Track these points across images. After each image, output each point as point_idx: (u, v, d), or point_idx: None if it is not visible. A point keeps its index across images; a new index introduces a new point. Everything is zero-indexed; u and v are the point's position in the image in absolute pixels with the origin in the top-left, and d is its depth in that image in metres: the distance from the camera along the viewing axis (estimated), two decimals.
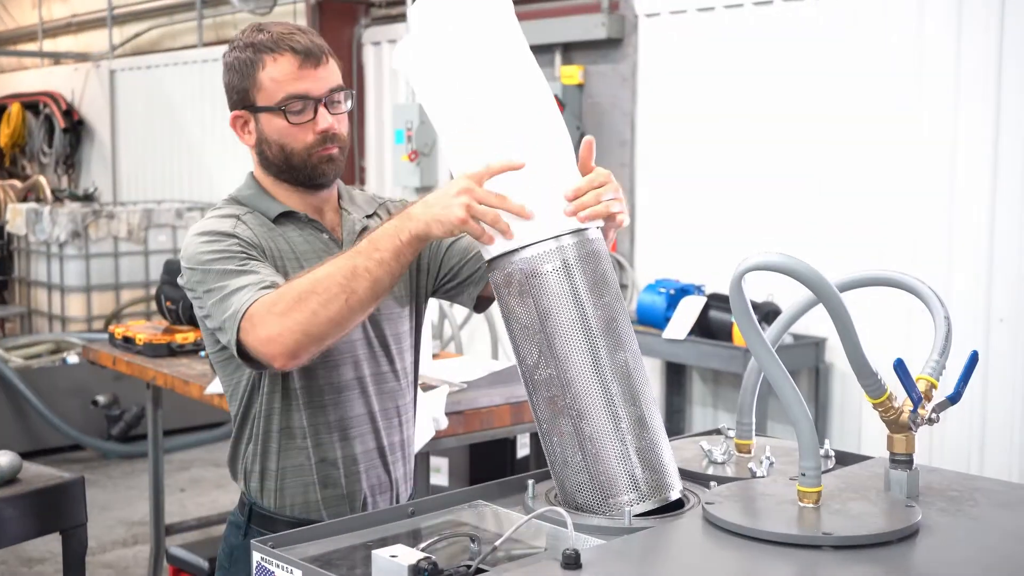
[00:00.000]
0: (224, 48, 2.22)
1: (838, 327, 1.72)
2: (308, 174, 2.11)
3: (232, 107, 2.15)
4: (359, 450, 2.14)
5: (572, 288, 1.77)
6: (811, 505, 1.68)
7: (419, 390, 2.37)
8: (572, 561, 1.48)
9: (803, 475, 1.69)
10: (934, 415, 1.79)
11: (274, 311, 1.87)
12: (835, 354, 5.08)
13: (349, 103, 2.15)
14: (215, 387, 3.57)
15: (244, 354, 1.94)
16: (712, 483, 1.90)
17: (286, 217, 2.14)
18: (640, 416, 1.82)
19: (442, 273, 2.27)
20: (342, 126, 2.12)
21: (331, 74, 2.10)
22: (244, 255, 2.01)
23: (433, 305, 4.06)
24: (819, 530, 1.60)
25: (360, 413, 2.14)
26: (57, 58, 11.37)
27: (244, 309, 1.90)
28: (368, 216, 2.23)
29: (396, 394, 2.21)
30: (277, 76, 2.06)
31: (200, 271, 2.01)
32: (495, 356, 5.35)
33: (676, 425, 5.78)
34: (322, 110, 2.08)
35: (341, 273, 1.86)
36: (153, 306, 6.16)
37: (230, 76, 2.13)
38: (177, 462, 6.50)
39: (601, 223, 1.87)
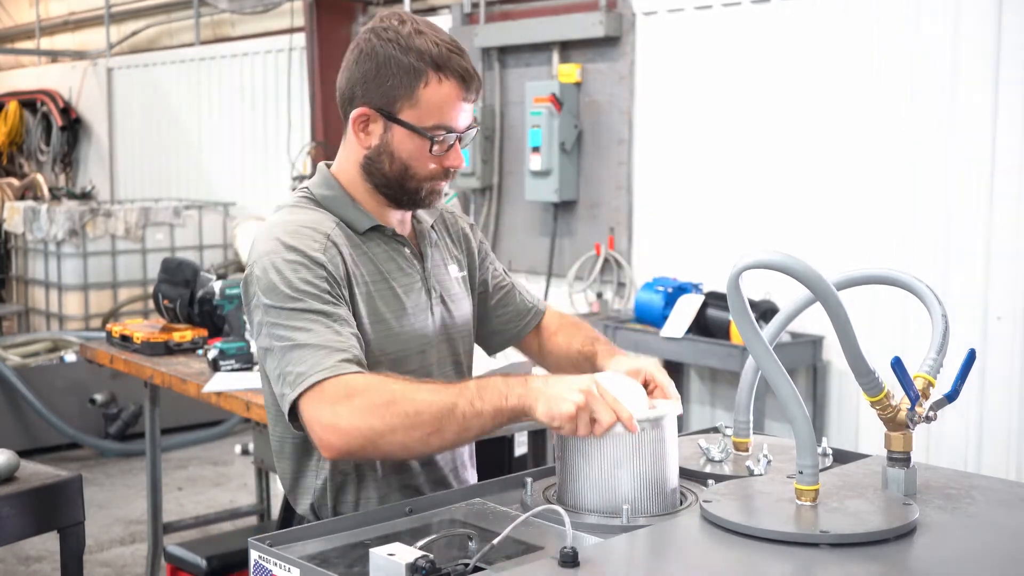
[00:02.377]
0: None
1: (835, 325, 1.72)
2: (414, 199, 2.03)
3: (359, 100, 1.98)
4: (440, 476, 2.09)
5: None
6: (808, 503, 1.68)
7: None
8: (570, 559, 1.48)
9: (800, 473, 1.70)
10: (931, 413, 1.79)
11: (353, 403, 1.75)
12: (833, 352, 5.08)
13: (474, 134, 2.05)
14: (213, 385, 3.57)
15: (294, 415, 1.82)
16: (710, 481, 1.90)
17: (372, 231, 2.04)
18: None
19: (487, 314, 2.29)
20: (463, 157, 2.05)
21: (472, 107, 2.02)
22: (329, 296, 1.88)
23: None
24: (817, 528, 1.60)
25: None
26: (54, 56, 11.36)
27: (320, 378, 1.77)
28: (431, 227, 2.18)
29: None
30: (438, 100, 1.94)
31: (280, 295, 1.87)
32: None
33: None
34: (457, 145, 2.00)
35: (438, 406, 1.74)
36: (150, 304, 6.15)
37: (372, 69, 1.95)
38: (175, 460, 6.50)
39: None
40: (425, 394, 1.76)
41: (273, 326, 1.86)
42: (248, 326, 1.96)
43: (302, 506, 2.05)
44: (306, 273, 1.89)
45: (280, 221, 2.01)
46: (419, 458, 1.87)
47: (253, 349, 3.84)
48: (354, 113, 1.99)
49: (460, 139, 2.00)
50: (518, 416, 1.76)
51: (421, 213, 2.16)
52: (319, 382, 1.77)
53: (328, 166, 2.11)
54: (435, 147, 1.97)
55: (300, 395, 1.79)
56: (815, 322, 4.88)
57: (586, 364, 2.22)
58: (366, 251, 2.02)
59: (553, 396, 1.73)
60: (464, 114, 1.99)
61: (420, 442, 1.76)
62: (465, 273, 2.23)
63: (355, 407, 1.75)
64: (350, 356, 1.81)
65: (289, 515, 2.12)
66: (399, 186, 2.01)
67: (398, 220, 2.10)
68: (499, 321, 2.31)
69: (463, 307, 2.19)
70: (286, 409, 1.83)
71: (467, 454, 2.21)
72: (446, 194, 2.06)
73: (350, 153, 2.05)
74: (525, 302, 2.33)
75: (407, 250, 2.09)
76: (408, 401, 1.75)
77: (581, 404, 1.72)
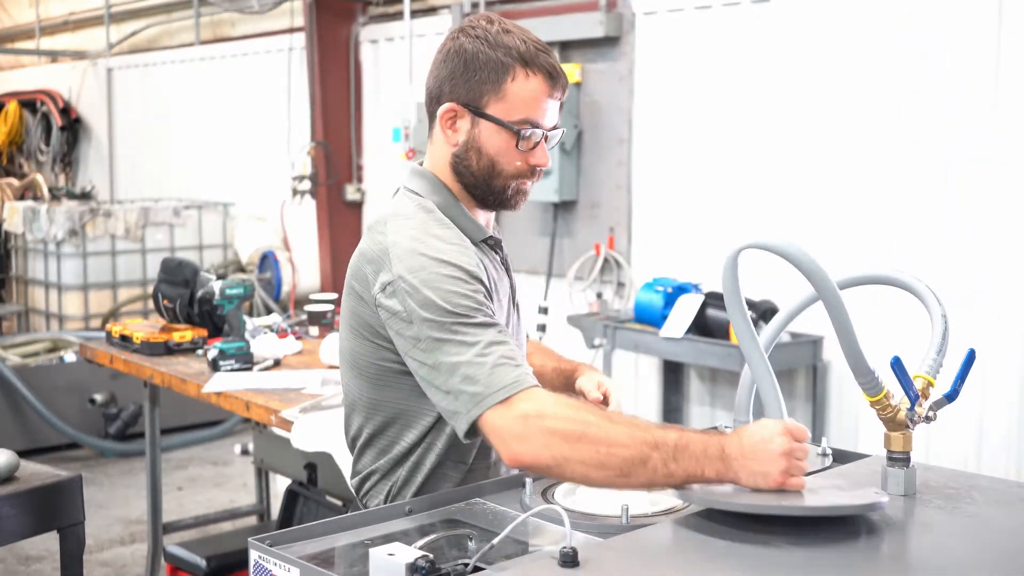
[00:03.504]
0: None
1: (833, 317, 1.73)
2: (499, 198, 2.04)
3: (446, 97, 1.99)
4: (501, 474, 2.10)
5: None
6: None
7: None
8: (569, 559, 1.48)
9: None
10: (931, 413, 1.80)
11: (545, 423, 1.72)
12: (833, 352, 5.08)
13: (560, 135, 2.05)
14: (212, 385, 3.57)
15: (472, 432, 1.79)
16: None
17: (481, 243, 2.04)
18: None
19: None
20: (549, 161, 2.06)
21: (558, 108, 2.03)
22: (489, 312, 1.84)
23: None
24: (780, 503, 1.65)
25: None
26: (54, 56, 11.36)
27: (508, 394, 1.74)
28: None
29: None
30: (525, 95, 1.96)
31: (436, 311, 1.81)
32: None
33: (674, 423, 5.78)
34: (543, 144, 2.01)
35: (632, 452, 1.69)
36: (150, 304, 6.15)
37: (460, 65, 1.96)
38: (175, 460, 6.50)
39: None
40: (620, 434, 1.71)
41: (436, 342, 1.81)
42: (395, 338, 1.89)
43: (375, 498, 2.05)
44: (466, 287, 1.85)
45: (417, 235, 1.93)
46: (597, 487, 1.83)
47: (252, 349, 3.84)
48: (442, 109, 2.00)
49: (547, 138, 2.01)
50: (722, 473, 1.71)
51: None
52: (506, 399, 1.75)
53: (418, 171, 2.07)
54: (521, 142, 1.98)
55: (486, 411, 1.76)
56: (815, 322, 4.88)
57: (562, 380, 2.29)
58: (481, 259, 2.01)
59: (761, 470, 1.69)
60: (551, 112, 2.00)
61: (605, 481, 1.73)
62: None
63: (547, 428, 1.72)
64: (526, 370, 1.80)
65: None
66: (486, 184, 2.02)
67: (490, 224, 2.12)
68: None
69: (522, 313, 2.24)
70: (462, 427, 1.79)
71: None
72: (528, 190, 2.07)
73: (440, 154, 2.05)
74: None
75: (499, 257, 2.11)
76: (602, 438, 1.71)
77: (785, 469, 1.68)
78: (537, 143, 2.00)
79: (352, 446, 2.10)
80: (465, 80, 1.97)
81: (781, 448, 1.68)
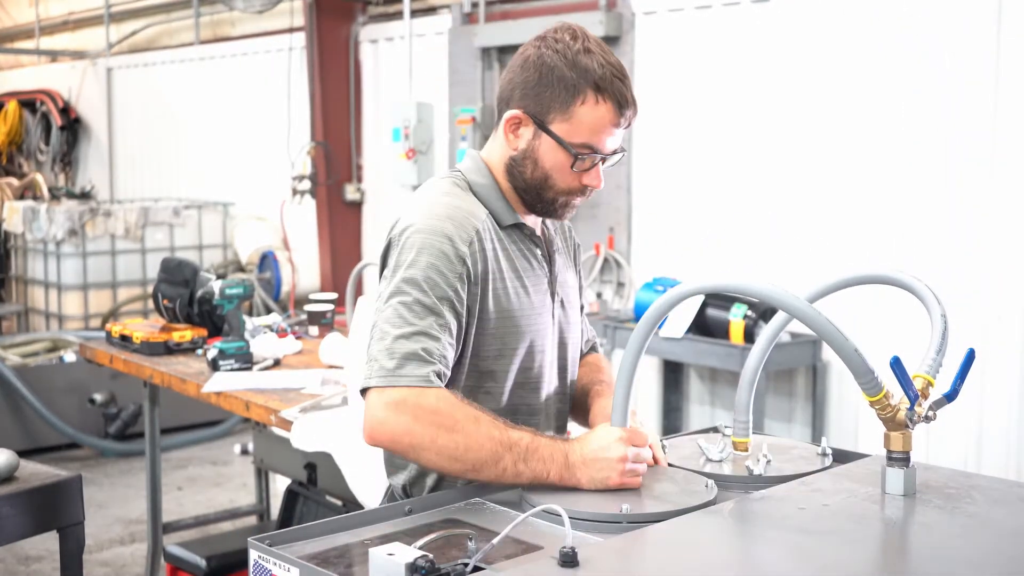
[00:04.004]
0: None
1: (818, 331, 1.72)
2: (546, 209, 2.09)
3: (515, 103, 2.03)
4: None
5: None
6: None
7: None
8: (569, 559, 1.48)
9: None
10: (931, 413, 1.79)
11: (417, 413, 1.86)
12: (832, 352, 5.07)
13: (618, 159, 2.09)
14: (212, 385, 3.57)
15: (362, 392, 1.93)
16: (709, 481, 1.90)
17: (512, 227, 2.09)
18: None
19: None
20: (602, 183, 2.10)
21: (623, 135, 2.07)
22: (450, 301, 1.94)
23: None
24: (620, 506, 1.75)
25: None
26: (54, 56, 11.36)
27: (401, 383, 1.87)
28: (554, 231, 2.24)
29: (565, 414, 2.24)
30: (590, 121, 1.99)
31: (406, 277, 1.94)
32: None
33: (673, 423, 5.79)
34: (599, 167, 2.06)
35: (487, 452, 1.86)
36: (150, 304, 6.15)
37: (535, 76, 2.00)
38: (174, 460, 6.50)
39: None
40: (482, 435, 1.87)
41: (395, 306, 1.93)
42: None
43: (396, 481, 2.11)
44: (445, 268, 1.94)
45: (437, 199, 2.04)
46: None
47: (252, 349, 3.84)
48: (508, 114, 2.04)
49: (604, 160, 2.05)
50: (564, 478, 1.88)
51: (548, 221, 2.21)
52: (400, 387, 1.87)
53: (472, 153, 2.16)
54: (577, 163, 2.02)
55: (371, 387, 1.89)
56: None
57: (584, 398, 2.29)
58: (507, 246, 2.07)
59: (598, 474, 1.87)
60: (613, 138, 2.03)
61: (456, 472, 1.89)
62: (576, 284, 2.29)
63: (414, 419, 1.86)
64: (438, 371, 1.90)
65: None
66: (536, 193, 2.07)
67: (533, 221, 2.15)
68: None
69: (575, 314, 2.25)
70: (357, 389, 1.95)
71: None
72: (579, 204, 2.12)
73: (499, 152, 2.10)
74: (589, 333, 2.41)
75: (539, 251, 2.14)
76: (463, 434, 1.86)
77: (624, 470, 1.87)
78: (594, 165, 2.05)
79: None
80: (536, 92, 2.00)
81: (618, 454, 1.86)
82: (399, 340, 1.89)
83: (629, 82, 2.02)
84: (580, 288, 2.33)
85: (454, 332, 1.95)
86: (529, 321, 2.08)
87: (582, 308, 2.35)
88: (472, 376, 2.04)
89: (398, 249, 1.98)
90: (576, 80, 1.97)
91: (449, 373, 1.94)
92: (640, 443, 1.89)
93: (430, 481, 2.06)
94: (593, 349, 2.42)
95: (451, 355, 1.95)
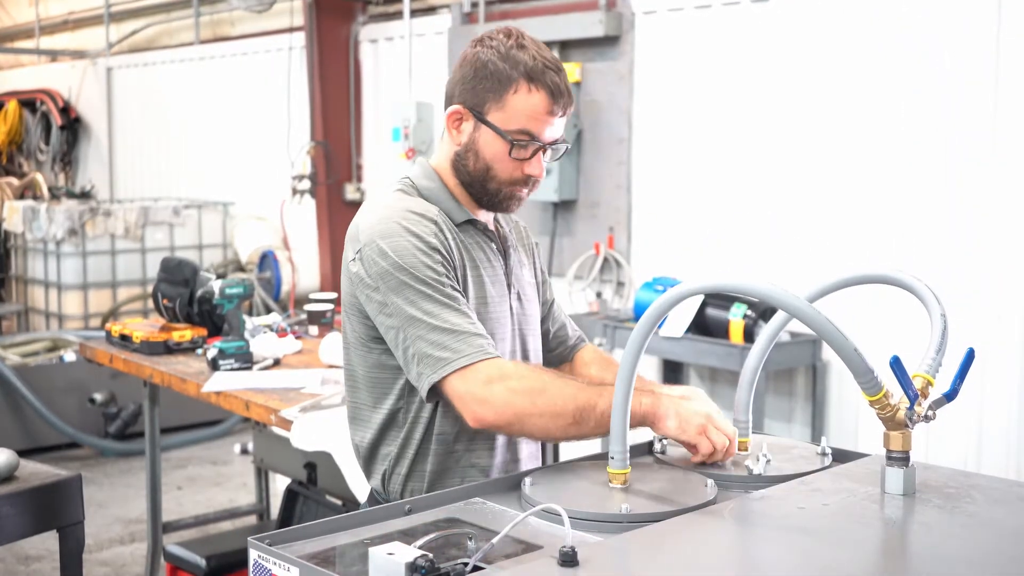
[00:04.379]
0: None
1: (818, 331, 1.72)
2: (493, 200, 2.16)
3: (455, 99, 2.13)
4: (498, 461, 2.18)
5: None
6: (619, 486, 1.86)
7: None
8: (569, 559, 1.48)
9: (612, 458, 1.86)
10: (930, 412, 1.79)
11: (508, 383, 1.93)
12: (832, 352, 5.07)
13: (563, 150, 2.16)
14: (212, 385, 3.57)
15: (434, 393, 1.98)
16: (709, 481, 1.90)
17: (466, 223, 2.17)
18: None
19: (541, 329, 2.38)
20: (544, 172, 2.16)
21: (563, 124, 2.14)
22: (450, 283, 2.02)
23: None
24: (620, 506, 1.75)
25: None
26: (54, 55, 11.36)
27: (471, 361, 1.94)
28: (510, 232, 2.33)
29: None
30: (524, 108, 2.07)
31: (404, 274, 1.99)
32: None
33: None
34: (540, 155, 2.11)
35: (582, 400, 1.94)
36: (150, 304, 6.15)
37: (471, 72, 2.10)
38: (174, 460, 6.50)
39: None
40: (571, 388, 1.96)
41: (401, 306, 1.99)
42: (365, 303, 2.06)
43: (374, 476, 2.17)
44: (427, 259, 2.02)
45: (390, 205, 2.11)
46: (556, 442, 2.08)
47: (252, 348, 3.84)
48: (449, 110, 2.13)
49: (545, 150, 2.12)
50: (645, 422, 1.96)
51: (502, 220, 2.29)
52: (470, 364, 1.94)
53: (419, 161, 2.24)
54: (515, 151, 2.08)
55: (443, 377, 1.94)
56: None
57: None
58: (463, 240, 2.15)
59: (684, 413, 1.96)
60: (550, 127, 2.10)
61: (560, 429, 1.95)
62: (535, 282, 2.35)
63: (509, 387, 1.93)
64: (489, 341, 1.99)
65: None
66: (481, 185, 2.14)
67: (484, 217, 2.21)
68: (549, 341, 2.42)
69: (533, 308, 2.31)
70: (424, 387, 1.97)
71: (537, 449, 2.31)
72: (524, 196, 2.18)
73: (444, 151, 2.18)
74: (572, 329, 2.48)
75: (494, 245, 2.21)
76: (556, 392, 1.94)
77: (704, 426, 1.96)
78: (534, 154, 2.11)
79: (353, 422, 2.21)
80: (472, 86, 2.09)
81: (708, 410, 1.98)
82: (435, 331, 1.96)
83: (564, 75, 2.10)
84: (541, 285, 2.39)
85: (471, 308, 2.05)
86: (490, 310, 2.15)
87: (552, 304, 2.42)
88: None
89: (368, 263, 2.03)
90: (508, 71, 2.06)
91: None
92: (729, 433, 1.98)
93: (404, 469, 2.12)
94: (582, 340, 2.47)
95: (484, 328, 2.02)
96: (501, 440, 2.17)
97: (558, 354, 2.45)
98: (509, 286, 2.22)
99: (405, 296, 1.99)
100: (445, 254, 2.05)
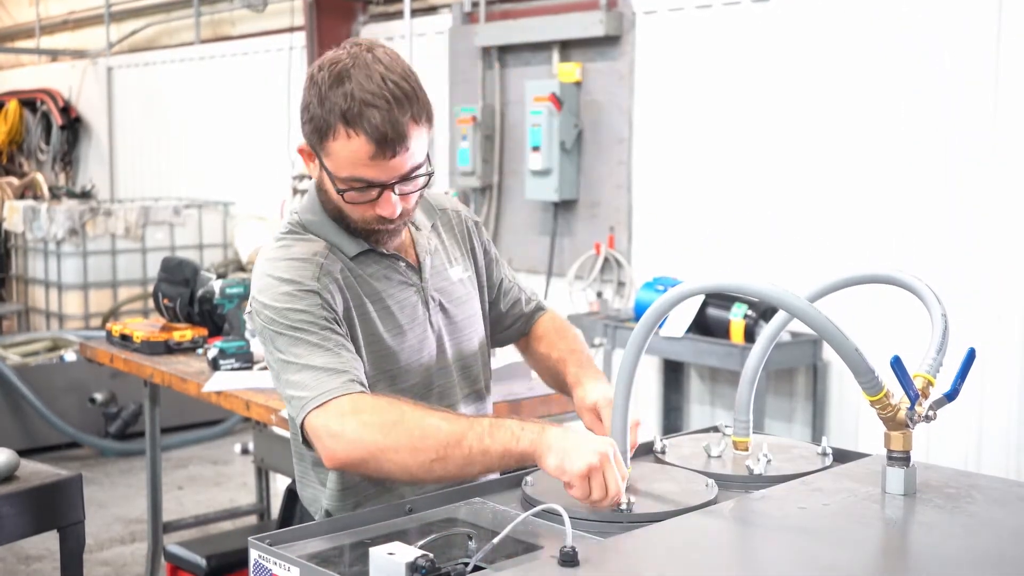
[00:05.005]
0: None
1: (818, 330, 1.72)
2: (363, 237, 2.02)
3: (303, 134, 1.97)
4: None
5: None
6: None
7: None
8: (570, 559, 1.48)
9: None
10: (931, 412, 1.79)
11: (361, 417, 1.80)
12: (832, 352, 5.07)
13: (423, 180, 1.96)
14: (213, 385, 3.57)
15: (304, 432, 1.90)
16: (709, 481, 1.90)
17: (362, 254, 2.03)
18: None
19: (494, 311, 2.31)
20: (410, 202, 1.98)
21: (407, 159, 1.90)
22: (325, 323, 1.91)
23: None
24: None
25: None
26: (54, 55, 11.35)
27: (326, 399, 1.83)
28: (431, 228, 2.18)
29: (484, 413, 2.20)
30: (347, 155, 1.88)
31: (276, 325, 1.92)
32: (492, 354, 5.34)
33: (674, 423, 5.79)
34: (387, 194, 1.92)
35: (445, 433, 1.77)
36: (150, 303, 6.15)
37: (304, 108, 1.93)
38: (175, 460, 6.50)
39: None
40: (435, 420, 1.80)
41: (276, 353, 1.92)
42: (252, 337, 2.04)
43: (315, 507, 2.09)
44: (300, 303, 1.92)
45: (272, 257, 2.01)
46: (417, 483, 1.90)
47: (253, 348, 3.84)
48: (299, 145, 2.01)
49: (394, 187, 1.92)
50: (526, 461, 1.78)
51: (419, 216, 2.14)
52: (326, 402, 1.83)
53: (309, 188, 2.09)
54: (352, 195, 1.92)
55: (308, 414, 1.85)
56: None
57: (556, 379, 2.26)
58: (360, 272, 2.03)
59: (567, 450, 1.73)
60: (386, 171, 1.90)
61: (422, 467, 1.78)
62: (471, 273, 2.23)
63: (362, 421, 1.80)
64: (353, 377, 1.87)
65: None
66: (341, 222, 2.01)
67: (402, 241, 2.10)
68: (504, 319, 2.34)
69: (468, 308, 2.19)
70: (299, 434, 1.93)
71: None
72: (392, 230, 2.02)
73: None
74: (527, 301, 2.36)
75: (402, 264, 2.08)
76: (416, 424, 1.79)
77: (595, 466, 1.71)
78: (380, 195, 1.93)
79: (296, 456, 2.16)
80: (304, 128, 1.95)
81: (600, 448, 1.72)
82: (300, 371, 1.88)
83: (396, 106, 1.86)
84: (486, 268, 2.26)
85: (349, 347, 1.93)
86: (401, 340, 2.04)
87: (501, 283, 2.30)
88: None
89: (253, 317, 1.98)
90: (325, 116, 1.88)
91: (366, 381, 1.91)
92: (621, 471, 1.76)
93: (346, 508, 2.03)
94: (539, 309, 2.36)
95: (359, 366, 1.91)
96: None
97: (516, 329, 2.35)
98: (427, 302, 2.09)
99: (278, 344, 1.92)
100: (326, 297, 1.93)
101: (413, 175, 1.94)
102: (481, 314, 2.23)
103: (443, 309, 2.13)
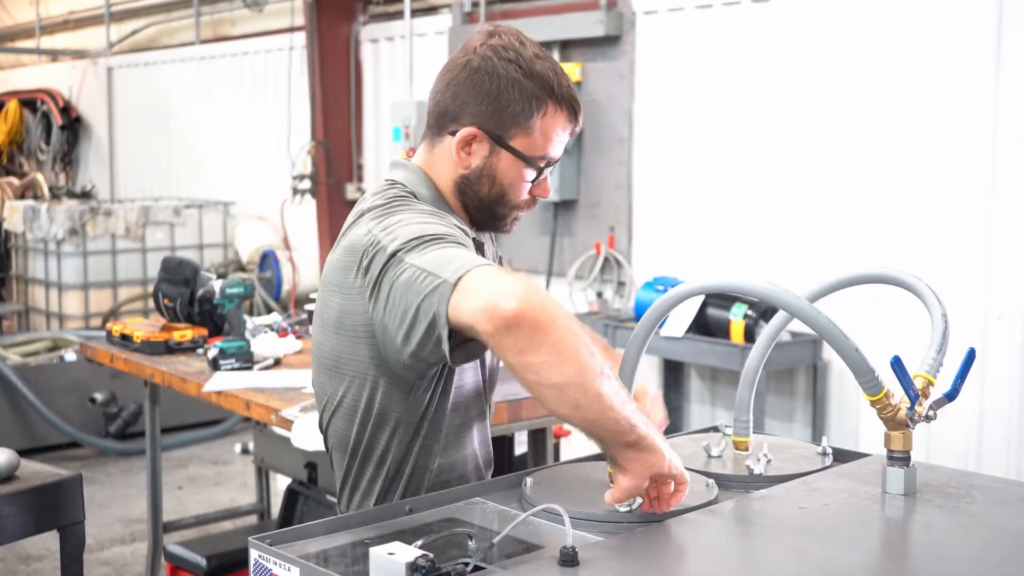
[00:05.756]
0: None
1: (819, 330, 1.72)
2: (497, 225, 2.00)
3: (467, 119, 1.88)
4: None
5: None
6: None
7: None
8: (570, 558, 1.48)
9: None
10: (931, 412, 1.79)
11: (519, 281, 1.59)
12: (833, 352, 5.07)
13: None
14: (213, 384, 3.57)
15: (451, 332, 1.64)
16: (710, 481, 1.90)
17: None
18: None
19: None
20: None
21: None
22: (470, 243, 1.79)
23: None
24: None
25: (470, 452, 2.02)
26: (54, 55, 11.36)
27: (484, 264, 1.62)
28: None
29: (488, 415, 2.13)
30: (551, 131, 1.90)
31: (414, 242, 1.70)
32: None
33: (674, 422, 5.79)
34: (548, 176, 1.97)
35: (598, 361, 1.61)
36: (151, 303, 6.15)
37: (492, 89, 1.86)
38: (175, 460, 6.50)
39: None
40: (585, 334, 1.67)
41: (404, 266, 1.69)
42: (372, 307, 1.77)
43: (353, 505, 1.99)
44: (443, 225, 1.78)
45: (398, 207, 1.86)
46: (567, 395, 1.60)
47: (253, 348, 3.84)
48: (462, 133, 1.90)
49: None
50: (642, 442, 1.65)
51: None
52: (481, 266, 1.62)
53: (402, 163, 2.00)
54: (541, 176, 1.95)
55: (465, 274, 1.61)
56: None
57: None
58: None
59: (661, 456, 1.66)
60: (563, 146, 1.96)
61: (592, 374, 1.59)
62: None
63: (533, 289, 1.59)
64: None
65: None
66: (490, 210, 1.96)
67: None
68: None
69: None
70: (443, 318, 1.62)
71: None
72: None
73: (445, 168, 1.95)
74: None
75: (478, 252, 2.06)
76: (584, 337, 1.63)
77: (672, 471, 1.67)
78: (545, 176, 1.97)
79: (335, 451, 2.03)
80: (495, 108, 1.87)
81: (677, 469, 1.68)
82: (438, 247, 1.68)
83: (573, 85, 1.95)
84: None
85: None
86: None
87: None
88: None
89: (378, 251, 1.76)
90: (536, 91, 1.87)
91: None
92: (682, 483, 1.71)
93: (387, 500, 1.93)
94: None
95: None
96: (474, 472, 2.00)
97: None
98: None
99: (410, 258, 1.69)
100: (472, 236, 1.87)
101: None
102: None
103: None
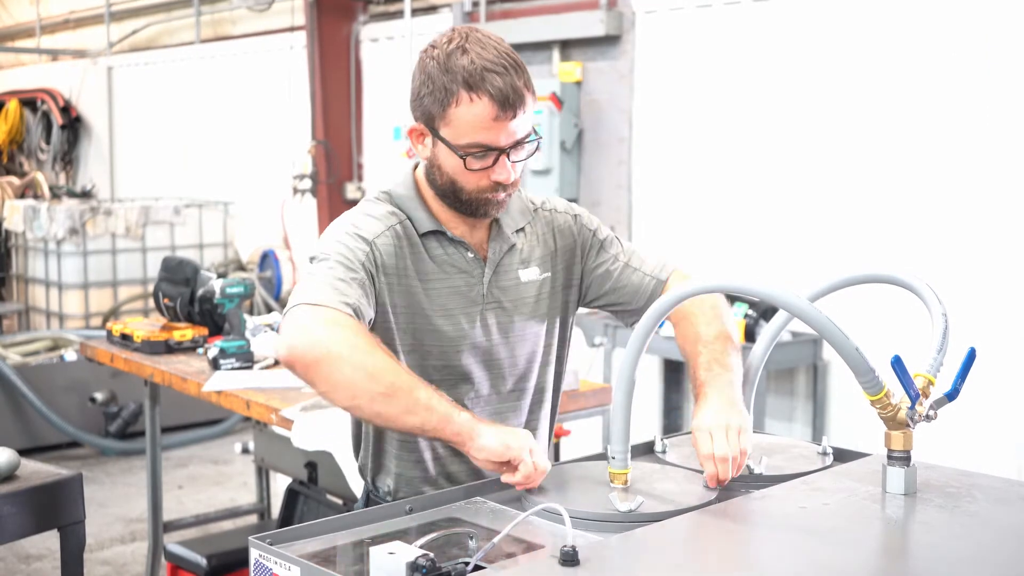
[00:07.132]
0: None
1: (819, 329, 1.71)
2: (468, 209, 2.07)
3: (413, 115, 2.05)
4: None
5: None
6: (620, 486, 1.85)
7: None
8: (570, 558, 1.48)
9: (612, 458, 1.86)
10: (932, 412, 1.79)
11: (338, 329, 1.85)
12: (833, 351, 5.06)
13: (533, 147, 2.05)
14: (213, 384, 3.57)
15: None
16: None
17: (432, 234, 2.09)
18: None
19: (607, 297, 2.26)
20: (518, 171, 2.05)
21: (524, 122, 2.01)
22: (358, 266, 1.98)
23: None
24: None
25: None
26: (55, 55, 11.36)
27: (322, 303, 1.88)
28: (518, 231, 2.17)
29: (518, 411, 2.18)
30: (468, 119, 1.96)
31: (320, 253, 2.01)
32: None
33: (674, 422, 5.79)
34: (503, 160, 2.00)
35: (404, 379, 1.86)
36: (151, 303, 6.15)
37: (421, 85, 2.01)
38: (175, 459, 6.50)
39: None
40: (398, 366, 1.88)
41: (305, 273, 2.00)
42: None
43: (383, 484, 2.16)
44: (349, 243, 2.01)
45: (353, 211, 2.13)
46: (353, 410, 1.93)
47: (254, 348, 3.84)
48: (409, 127, 2.08)
49: (508, 154, 2.00)
50: (460, 435, 1.85)
51: (507, 215, 2.15)
52: (317, 304, 1.88)
53: (415, 166, 2.18)
54: (471, 162, 1.99)
55: (296, 305, 1.90)
56: None
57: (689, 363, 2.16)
58: (424, 249, 2.09)
59: (505, 432, 1.87)
60: (505, 134, 1.98)
61: (368, 393, 1.84)
62: (549, 274, 2.20)
63: (336, 332, 1.85)
64: (354, 307, 1.91)
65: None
66: (453, 197, 2.07)
67: (468, 224, 2.11)
68: (622, 300, 2.25)
69: (530, 309, 2.16)
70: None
71: None
72: (503, 199, 2.07)
73: (422, 161, 2.13)
74: (642, 279, 2.24)
75: (470, 254, 2.11)
76: (381, 359, 1.85)
77: (518, 452, 1.85)
78: (496, 161, 2.00)
79: (355, 437, 2.24)
80: (420, 101, 2.02)
81: (527, 443, 1.86)
82: (310, 289, 1.93)
83: (513, 74, 1.96)
84: (575, 262, 2.22)
85: (368, 291, 1.98)
86: (447, 322, 2.07)
87: (615, 274, 2.22)
88: None
89: (317, 244, 2.07)
90: (447, 83, 1.96)
91: (366, 319, 1.95)
92: (541, 468, 1.87)
93: (389, 482, 2.14)
94: (661, 284, 2.23)
95: (367, 306, 1.96)
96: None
97: (647, 303, 2.20)
98: (484, 296, 2.10)
99: (311, 267, 1.99)
100: (376, 253, 2.01)
101: (525, 141, 2.03)
102: (552, 316, 2.20)
103: (500, 306, 2.13)
